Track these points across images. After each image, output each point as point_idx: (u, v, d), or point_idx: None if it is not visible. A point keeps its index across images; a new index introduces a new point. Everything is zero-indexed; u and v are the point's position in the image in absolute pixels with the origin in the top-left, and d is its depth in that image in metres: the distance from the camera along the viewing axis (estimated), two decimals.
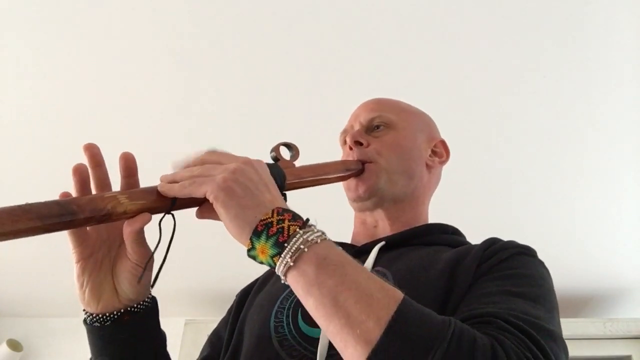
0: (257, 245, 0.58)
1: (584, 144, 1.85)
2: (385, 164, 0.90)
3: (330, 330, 0.54)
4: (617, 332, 2.28)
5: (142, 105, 1.74)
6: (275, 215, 0.59)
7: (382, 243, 0.84)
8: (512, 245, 0.77)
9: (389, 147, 0.91)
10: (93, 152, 0.66)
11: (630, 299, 2.48)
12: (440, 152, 0.99)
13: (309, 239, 0.57)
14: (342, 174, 0.87)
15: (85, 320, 0.70)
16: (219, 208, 0.60)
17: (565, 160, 1.91)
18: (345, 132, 0.98)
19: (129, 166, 0.66)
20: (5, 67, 1.63)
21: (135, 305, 0.70)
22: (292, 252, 0.56)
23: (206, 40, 1.56)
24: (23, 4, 1.47)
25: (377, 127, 0.94)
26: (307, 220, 0.60)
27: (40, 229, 0.53)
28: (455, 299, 0.69)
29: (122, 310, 0.69)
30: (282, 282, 0.58)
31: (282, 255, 0.56)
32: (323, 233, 0.59)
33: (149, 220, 0.62)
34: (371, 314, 0.53)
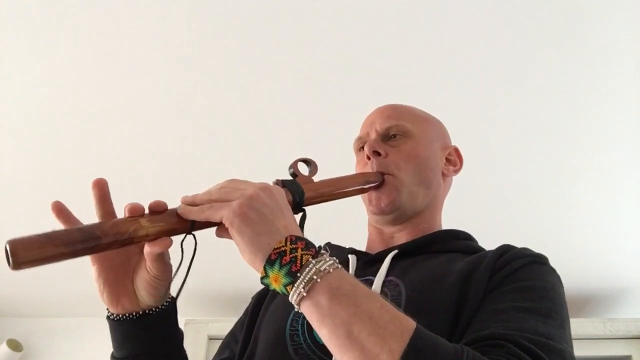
0: (271, 274, 0.59)
1: (583, 144, 1.85)
2: (405, 177, 0.89)
3: None
4: (617, 332, 2.28)
5: (144, 107, 1.74)
6: (288, 243, 0.59)
7: (395, 252, 0.84)
8: (524, 254, 0.76)
9: (408, 158, 0.90)
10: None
11: (630, 299, 2.48)
12: (454, 160, 0.99)
13: (322, 268, 0.58)
14: (362, 187, 0.87)
15: (107, 316, 0.72)
16: (234, 233, 0.61)
17: (565, 161, 1.91)
18: (360, 140, 0.96)
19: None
20: (5, 66, 1.63)
21: (153, 309, 0.72)
22: (305, 282, 0.57)
23: (210, 45, 1.56)
24: (23, 5, 1.47)
25: (394, 136, 0.93)
26: (320, 248, 0.61)
27: (65, 255, 0.56)
28: (468, 312, 0.69)
29: (140, 313, 0.71)
30: (296, 310, 0.59)
31: (296, 285, 0.57)
32: (335, 261, 0.60)
33: (170, 244, 0.64)
34: (384, 346, 0.54)
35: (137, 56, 1.60)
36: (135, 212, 0.63)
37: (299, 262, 0.58)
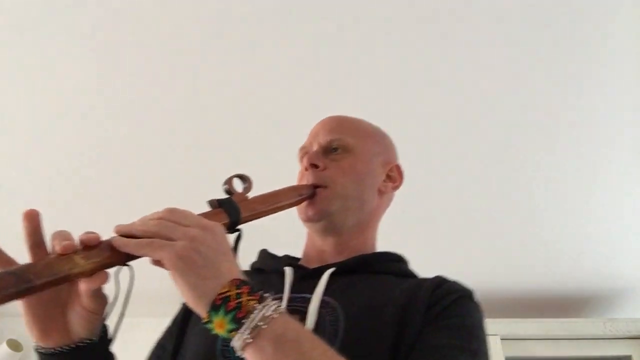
0: (215, 319, 0.58)
1: (583, 144, 1.85)
2: (339, 190, 0.90)
3: None
4: (617, 332, 2.28)
5: (143, 107, 1.74)
6: (233, 288, 0.59)
7: (333, 269, 0.85)
8: (455, 289, 0.81)
9: (345, 172, 0.92)
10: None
11: (630, 299, 2.48)
12: (394, 176, 1.00)
13: (267, 315, 0.58)
14: (295, 200, 0.88)
15: (35, 349, 0.69)
16: (175, 276, 0.60)
17: (564, 161, 1.91)
18: (303, 149, 0.98)
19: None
20: (4, 66, 1.63)
21: (87, 341, 0.68)
22: (250, 329, 0.57)
23: (206, 50, 1.56)
24: (23, 5, 1.47)
25: (335, 149, 0.94)
26: (264, 292, 0.61)
27: None
28: (406, 347, 0.73)
29: (73, 346, 0.67)
30: (239, 355, 0.59)
31: (240, 332, 0.57)
32: (278, 306, 0.60)
33: (107, 280, 0.61)
34: None
35: (137, 56, 1.60)
36: (68, 249, 0.59)
37: (244, 308, 0.58)
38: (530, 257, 2.25)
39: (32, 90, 1.70)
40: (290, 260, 0.94)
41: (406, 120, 1.75)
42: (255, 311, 0.58)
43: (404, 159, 1.04)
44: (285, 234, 1.07)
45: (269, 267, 0.92)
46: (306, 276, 0.86)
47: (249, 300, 0.59)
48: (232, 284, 0.59)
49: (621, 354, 2.28)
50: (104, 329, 0.71)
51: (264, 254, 0.97)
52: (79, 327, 0.66)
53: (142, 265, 0.63)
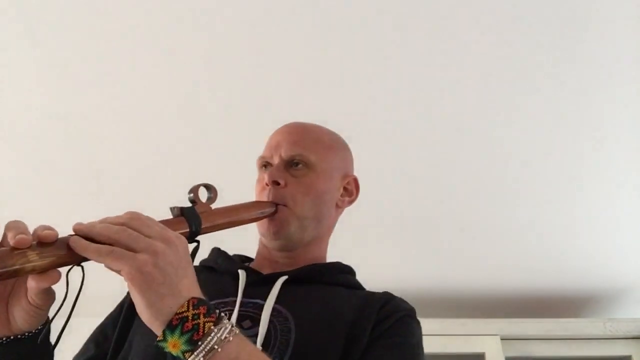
0: (170, 339, 0.58)
1: (583, 144, 1.85)
2: (299, 210, 0.92)
3: None
4: (617, 332, 2.28)
5: (139, 110, 1.74)
6: (191, 308, 0.59)
7: (286, 277, 0.87)
8: (401, 308, 0.86)
9: (306, 191, 0.93)
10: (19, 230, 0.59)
11: (630, 299, 2.48)
12: (351, 189, 1.02)
13: (222, 337, 0.58)
14: (256, 216, 0.90)
15: None
16: (133, 290, 0.59)
17: (564, 161, 1.91)
18: (263, 159, 0.98)
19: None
20: (5, 66, 1.63)
21: (26, 333, 0.67)
22: (205, 352, 0.57)
23: (206, 47, 1.56)
24: (22, 5, 1.47)
25: (297, 164, 0.94)
26: (219, 312, 0.61)
27: None
28: (354, 358, 0.77)
29: (12, 337, 0.66)
30: None
31: (195, 353, 0.57)
32: (233, 327, 0.61)
33: (59, 279, 0.60)
34: None
35: (137, 57, 1.60)
36: (23, 244, 0.57)
37: (201, 330, 0.58)
38: (530, 257, 2.25)
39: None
40: (242, 262, 0.96)
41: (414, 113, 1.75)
42: (212, 334, 0.58)
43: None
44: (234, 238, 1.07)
45: (221, 267, 0.93)
46: (259, 282, 0.88)
47: (206, 322, 0.58)
48: (190, 303, 0.59)
49: (621, 354, 2.28)
50: (47, 325, 0.69)
51: (216, 252, 0.98)
52: (21, 320, 0.65)
53: (99, 268, 0.62)
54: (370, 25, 1.51)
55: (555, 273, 2.33)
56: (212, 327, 0.58)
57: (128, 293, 0.88)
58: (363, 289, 0.95)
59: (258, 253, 0.99)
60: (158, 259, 0.59)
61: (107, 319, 0.92)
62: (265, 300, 0.82)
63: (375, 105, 1.70)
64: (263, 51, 1.58)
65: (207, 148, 1.87)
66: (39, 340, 0.67)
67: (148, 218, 0.64)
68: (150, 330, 0.76)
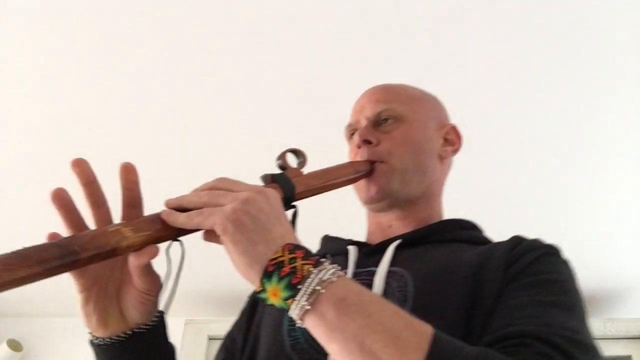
0: (268, 288, 0.54)
1: (583, 143, 1.85)
2: (397, 164, 0.84)
3: None
4: (617, 332, 2.29)
5: (139, 111, 1.74)
6: (286, 252, 0.55)
7: (399, 241, 0.80)
8: (537, 245, 0.73)
9: (401, 144, 0.85)
10: (82, 168, 0.59)
11: (630, 299, 2.48)
12: (452, 139, 0.92)
13: (325, 278, 0.53)
14: (352, 177, 0.83)
15: (91, 342, 0.67)
16: (226, 242, 0.56)
17: (564, 160, 1.91)
18: (350, 127, 0.91)
19: (130, 178, 0.62)
20: (5, 66, 1.63)
21: (142, 327, 0.66)
22: (307, 295, 0.52)
23: (205, 48, 1.56)
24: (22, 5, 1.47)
25: (385, 120, 0.87)
26: (320, 256, 0.56)
27: (41, 275, 0.50)
28: (484, 310, 0.65)
29: (129, 333, 0.66)
30: (298, 325, 0.55)
31: (297, 298, 0.53)
32: (337, 269, 0.55)
33: (157, 253, 0.59)
34: (403, 357, 0.50)
35: (136, 57, 1.60)
36: (108, 217, 0.57)
37: (299, 272, 0.53)
38: None
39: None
40: (354, 242, 0.88)
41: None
42: (312, 275, 0.53)
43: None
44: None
45: (332, 250, 0.86)
46: (371, 252, 0.81)
47: (303, 264, 0.54)
48: (285, 248, 0.55)
49: (621, 354, 2.28)
50: (162, 318, 0.69)
51: (326, 239, 0.92)
52: (134, 311, 0.64)
53: None
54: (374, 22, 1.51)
55: None
56: (312, 269, 0.53)
57: (248, 297, 0.89)
58: (491, 243, 0.82)
59: (368, 230, 0.92)
60: (248, 206, 0.56)
61: (233, 326, 0.89)
62: (378, 266, 0.76)
63: None
64: (263, 51, 1.58)
65: (207, 147, 1.88)
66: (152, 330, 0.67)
67: (235, 180, 0.62)
68: (269, 320, 0.77)
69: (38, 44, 1.56)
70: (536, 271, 0.68)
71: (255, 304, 0.86)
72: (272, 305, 0.55)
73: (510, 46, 1.55)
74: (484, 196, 2.04)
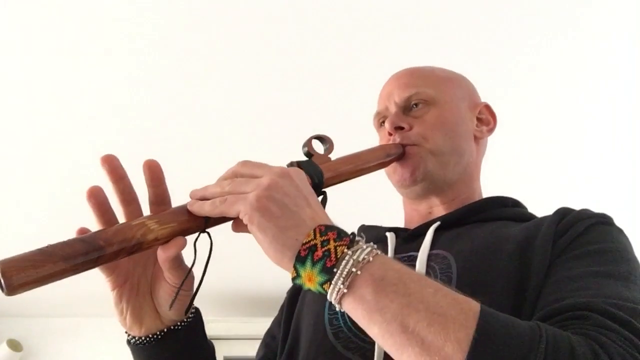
0: (303, 273, 0.52)
1: (583, 142, 1.85)
2: (432, 147, 0.81)
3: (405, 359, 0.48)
4: None
5: (142, 108, 1.74)
6: (318, 235, 0.52)
7: (438, 223, 0.77)
8: (587, 215, 0.70)
9: (434, 127, 0.82)
10: (113, 165, 0.58)
11: None
12: (486, 118, 0.89)
13: (360, 258, 0.50)
14: (383, 161, 0.79)
15: (128, 341, 0.66)
16: (254, 230, 0.54)
17: (564, 160, 1.91)
18: (379, 115, 0.88)
19: (155, 175, 0.60)
20: (5, 67, 1.63)
21: (178, 324, 0.66)
22: (343, 277, 0.50)
23: (209, 42, 1.56)
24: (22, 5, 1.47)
25: (416, 105, 0.83)
26: (354, 235, 0.53)
27: (67, 272, 0.50)
28: (535, 283, 0.62)
29: (165, 330, 0.65)
30: (338, 310, 0.53)
31: (333, 282, 0.50)
32: (373, 247, 0.53)
33: (184, 244, 0.58)
34: (449, 336, 0.46)
35: (136, 57, 1.60)
36: (139, 214, 0.57)
37: (333, 255, 0.51)
38: None
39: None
40: (393, 229, 0.84)
41: None
42: (347, 257, 0.50)
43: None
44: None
45: (370, 238, 0.81)
46: (410, 237, 0.79)
47: (337, 246, 0.51)
48: (316, 231, 0.52)
49: None
50: (198, 315, 0.68)
51: (363, 228, 0.89)
52: (166, 304, 0.62)
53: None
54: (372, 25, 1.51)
55: None
56: (346, 250, 0.51)
57: (287, 293, 0.87)
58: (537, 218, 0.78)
59: (405, 217, 0.89)
60: (272, 192, 0.54)
61: (272, 323, 0.87)
62: (419, 251, 0.73)
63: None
64: (263, 51, 1.58)
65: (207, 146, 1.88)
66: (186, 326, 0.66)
67: (259, 162, 0.59)
68: (310, 310, 0.75)
69: (40, 44, 1.56)
70: (588, 241, 0.65)
71: (294, 298, 0.84)
72: (309, 290, 0.53)
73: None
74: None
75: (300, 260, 0.52)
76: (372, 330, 0.50)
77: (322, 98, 1.71)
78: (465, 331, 0.47)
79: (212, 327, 2.49)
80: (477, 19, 1.50)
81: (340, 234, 0.53)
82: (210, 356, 0.71)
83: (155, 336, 0.65)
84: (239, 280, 2.28)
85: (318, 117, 1.73)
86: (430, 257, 0.72)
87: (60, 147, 1.86)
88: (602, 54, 1.58)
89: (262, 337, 0.88)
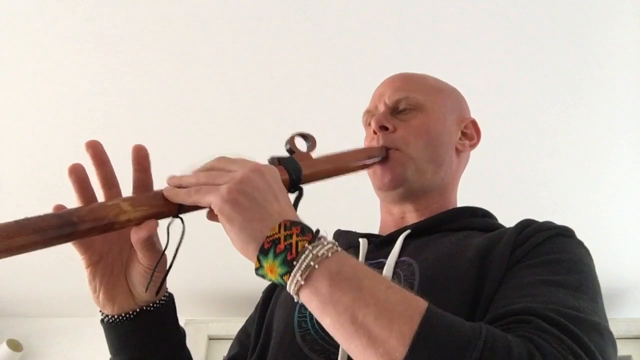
0: (265, 264, 0.55)
1: (583, 143, 1.85)
2: (413, 153, 0.83)
3: (352, 350, 0.52)
4: (617, 332, 2.25)
5: (142, 104, 1.74)
6: (282, 229, 0.55)
7: (408, 231, 0.80)
8: (548, 227, 0.72)
9: (417, 133, 0.84)
10: (96, 150, 0.62)
11: (630, 299, 2.48)
12: (470, 133, 0.92)
13: (319, 254, 0.53)
14: (364, 163, 0.82)
15: (102, 320, 0.69)
16: (223, 221, 0.57)
17: (564, 160, 1.91)
18: (368, 113, 0.91)
19: (141, 160, 0.63)
20: (4, 66, 1.63)
21: (151, 305, 0.68)
22: (302, 270, 0.53)
23: (206, 38, 1.56)
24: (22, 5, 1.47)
25: (404, 109, 0.86)
26: (317, 232, 0.56)
27: (38, 244, 0.51)
28: (489, 289, 0.65)
29: (137, 310, 0.67)
30: (296, 301, 0.56)
31: (292, 274, 0.53)
32: (334, 245, 0.56)
33: (156, 227, 0.60)
34: (393, 330, 0.50)
35: (138, 54, 1.60)
36: (115, 195, 0.59)
37: (294, 249, 0.54)
38: None
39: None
40: (365, 235, 0.87)
41: None
42: (307, 251, 0.53)
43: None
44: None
45: (343, 243, 0.86)
46: (381, 243, 0.81)
47: (299, 240, 0.54)
48: (281, 225, 0.55)
49: (621, 354, 2.28)
50: (171, 299, 0.70)
51: (339, 233, 0.92)
52: (140, 286, 0.65)
53: None
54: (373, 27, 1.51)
55: None
56: (307, 245, 0.54)
57: (262, 292, 0.90)
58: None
59: (381, 221, 0.91)
60: (243, 186, 0.57)
61: (247, 320, 0.91)
62: (387, 258, 0.76)
63: None
64: (264, 50, 1.58)
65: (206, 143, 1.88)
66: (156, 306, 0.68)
67: (235, 157, 0.63)
68: (281, 311, 0.78)
69: (39, 38, 1.57)
70: (545, 251, 0.67)
71: (268, 297, 0.88)
72: (271, 282, 0.56)
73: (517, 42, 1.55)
74: (483, 196, 2.04)
75: (263, 252, 0.55)
76: (325, 321, 0.53)
77: (309, 95, 1.71)
78: (410, 325, 0.50)
79: (212, 327, 2.49)
80: (475, 26, 1.50)
81: (303, 229, 0.56)
82: (179, 342, 0.73)
83: (127, 315, 0.67)
84: (240, 280, 2.28)
85: (305, 115, 1.75)
86: (397, 264, 0.75)
87: (47, 135, 1.86)
88: (609, 70, 1.58)
89: None
